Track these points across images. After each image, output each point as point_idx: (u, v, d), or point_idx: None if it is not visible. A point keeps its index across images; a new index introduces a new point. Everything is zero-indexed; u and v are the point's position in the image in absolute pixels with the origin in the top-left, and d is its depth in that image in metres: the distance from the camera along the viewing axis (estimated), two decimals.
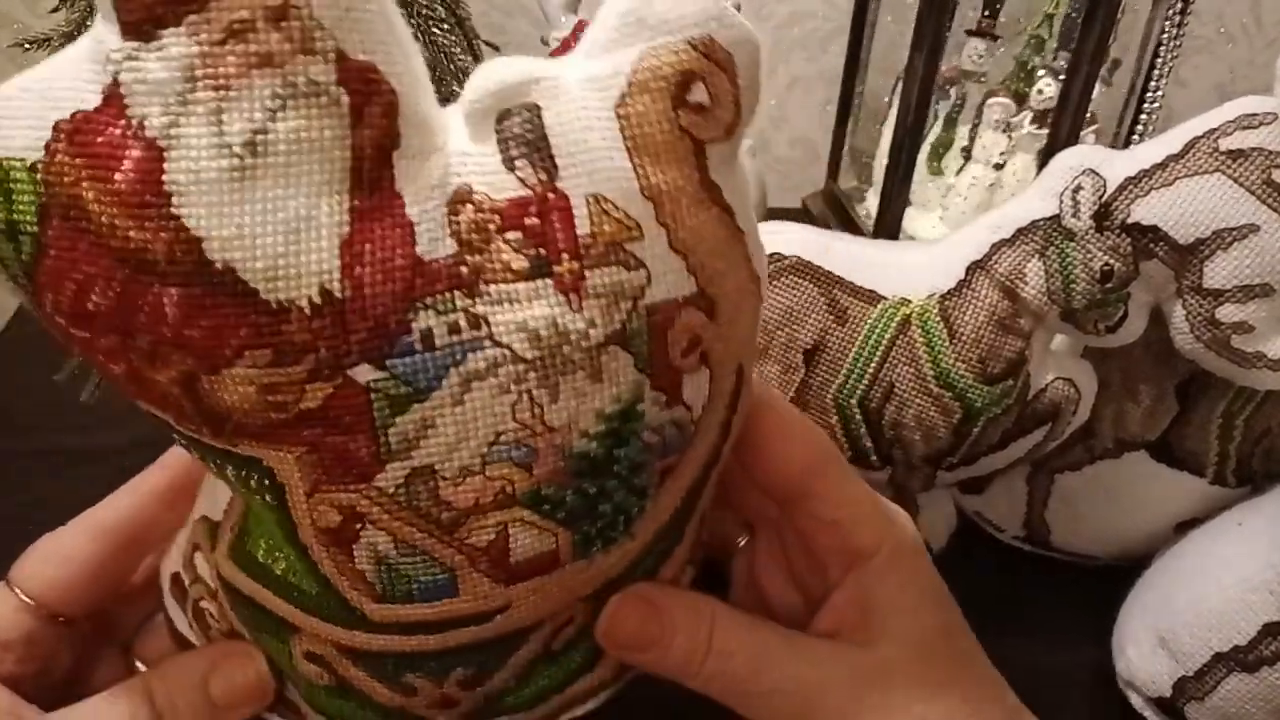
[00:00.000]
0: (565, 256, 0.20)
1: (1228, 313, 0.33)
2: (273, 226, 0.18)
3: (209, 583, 0.25)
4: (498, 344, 0.19)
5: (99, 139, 0.18)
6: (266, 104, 0.18)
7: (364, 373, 0.19)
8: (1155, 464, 0.39)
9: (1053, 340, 0.37)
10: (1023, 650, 0.27)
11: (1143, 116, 0.50)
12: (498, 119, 0.20)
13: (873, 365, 0.35)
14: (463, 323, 0.19)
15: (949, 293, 0.35)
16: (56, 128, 0.18)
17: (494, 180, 0.20)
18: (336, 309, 0.18)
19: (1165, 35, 0.48)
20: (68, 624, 0.27)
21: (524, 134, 0.20)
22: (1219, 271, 0.32)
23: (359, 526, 0.20)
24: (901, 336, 0.35)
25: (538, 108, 0.20)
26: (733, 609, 0.26)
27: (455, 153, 0.20)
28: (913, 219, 0.62)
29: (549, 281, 0.20)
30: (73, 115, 0.18)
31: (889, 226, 0.55)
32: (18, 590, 0.26)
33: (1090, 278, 0.34)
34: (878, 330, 0.35)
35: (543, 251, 0.20)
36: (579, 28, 0.52)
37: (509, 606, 0.22)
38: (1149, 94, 0.50)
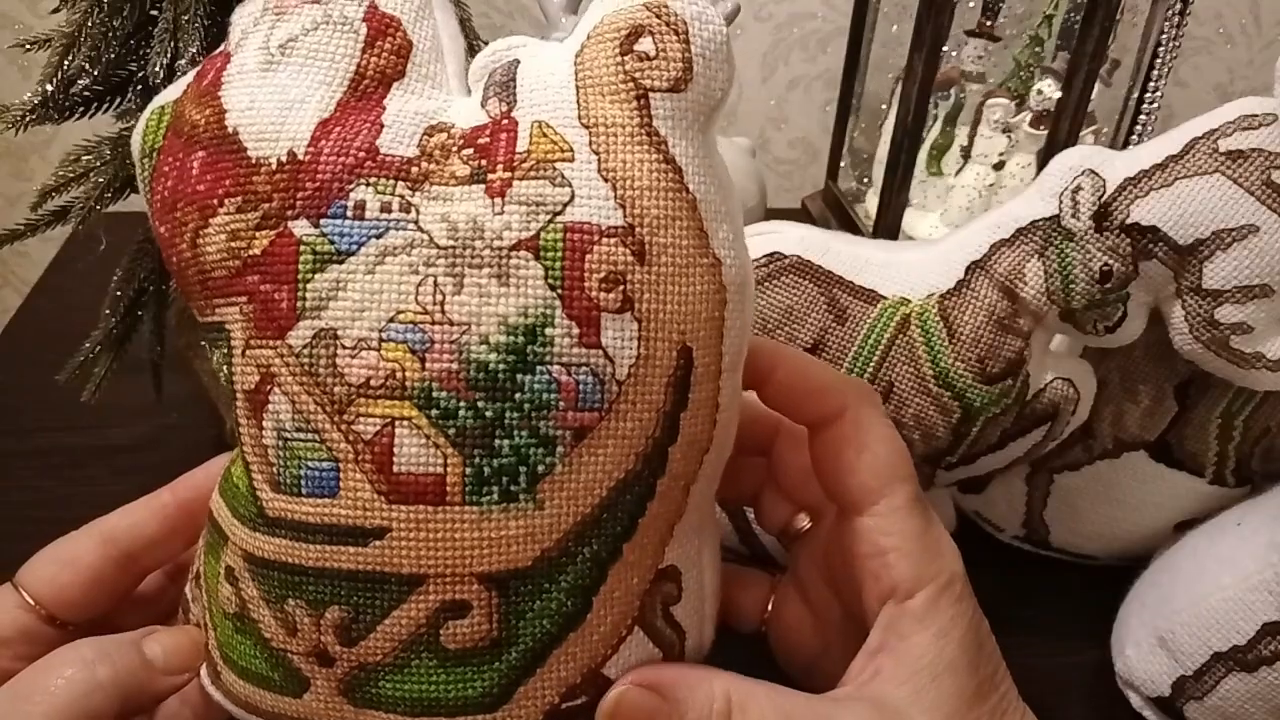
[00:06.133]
0: (500, 166, 0.22)
1: (1227, 313, 0.33)
2: (274, 102, 0.23)
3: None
4: (420, 228, 0.22)
5: (208, 65, 0.24)
6: (305, 25, 0.24)
7: (300, 226, 0.22)
8: (1154, 464, 0.39)
9: (1052, 340, 0.37)
10: (1022, 650, 0.27)
11: (1142, 117, 0.50)
12: (488, 77, 0.24)
13: (872, 364, 0.35)
14: (395, 205, 0.22)
15: (948, 292, 0.35)
16: (194, 73, 0.25)
17: (469, 116, 0.24)
18: (295, 168, 0.22)
19: (1164, 36, 0.48)
20: (70, 628, 0.27)
21: (500, 79, 0.24)
22: (1218, 272, 0.32)
23: (269, 389, 0.22)
24: (901, 336, 0.35)
25: (517, 61, 0.24)
26: (754, 683, 0.24)
27: (454, 101, 0.24)
28: (912, 219, 0.62)
29: (482, 187, 0.22)
30: (205, 60, 0.25)
31: (888, 227, 0.55)
32: (22, 590, 0.26)
33: (1089, 278, 0.34)
34: (877, 330, 0.35)
35: (484, 163, 0.22)
36: None
37: (387, 532, 0.22)
38: (1148, 94, 0.50)
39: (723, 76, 0.23)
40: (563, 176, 0.22)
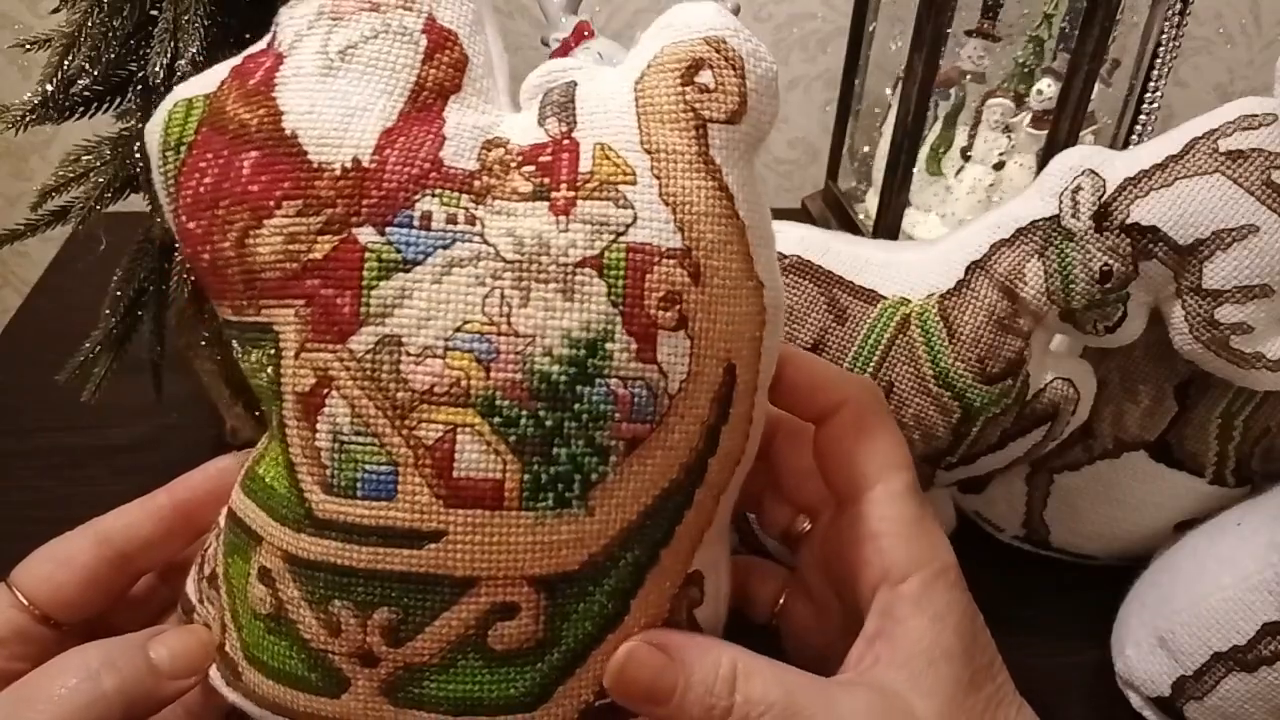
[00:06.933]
0: (564, 185, 0.23)
1: (1227, 313, 0.33)
2: (336, 108, 0.23)
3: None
4: (486, 241, 0.22)
5: (251, 63, 0.24)
6: (364, 33, 0.24)
7: (366, 234, 0.22)
8: (1154, 464, 0.39)
9: (1052, 340, 0.37)
10: (1022, 650, 0.27)
11: (1142, 117, 0.50)
12: (544, 96, 0.25)
13: (872, 364, 0.35)
14: (460, 217, 0.23)
15: (948, 292, 0.35)
16: (230, 70, 0.24)
17: (527, 134, 0.24)
18: (360, 175, 0.23)
19: (1164, 36, 0.48)
20: (65, 628, 0.27)
21: (558, 100, 0.24)
22: (1218, 272, 0.32)
23: (326, 391, 0.23)
24: (901, 336, 0.35)
25: (575, 83, 0.25)
26: (760, 657, 0.25)
27: (505, 117, 0.25)
28: (912, 219, 0.62)
29: (545, 204, 0.23)
30: (243, 58, 0.25)
31: (888, 227, 0.56)
32: (16, 590, 0.26)
33: (1089, 278, 0.34)
34: (877, 330, 0.35)
35: (547, 181, 0.23)
36: (579, 29, 0.52)
37: (444, 535, 0.22)
38: (1148, 94, 0.50)
39: (771, 111, 0.24)
40: (625, 199, 0.23)
